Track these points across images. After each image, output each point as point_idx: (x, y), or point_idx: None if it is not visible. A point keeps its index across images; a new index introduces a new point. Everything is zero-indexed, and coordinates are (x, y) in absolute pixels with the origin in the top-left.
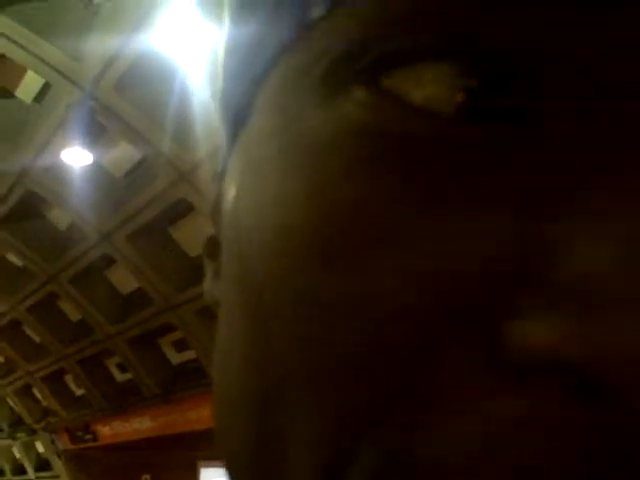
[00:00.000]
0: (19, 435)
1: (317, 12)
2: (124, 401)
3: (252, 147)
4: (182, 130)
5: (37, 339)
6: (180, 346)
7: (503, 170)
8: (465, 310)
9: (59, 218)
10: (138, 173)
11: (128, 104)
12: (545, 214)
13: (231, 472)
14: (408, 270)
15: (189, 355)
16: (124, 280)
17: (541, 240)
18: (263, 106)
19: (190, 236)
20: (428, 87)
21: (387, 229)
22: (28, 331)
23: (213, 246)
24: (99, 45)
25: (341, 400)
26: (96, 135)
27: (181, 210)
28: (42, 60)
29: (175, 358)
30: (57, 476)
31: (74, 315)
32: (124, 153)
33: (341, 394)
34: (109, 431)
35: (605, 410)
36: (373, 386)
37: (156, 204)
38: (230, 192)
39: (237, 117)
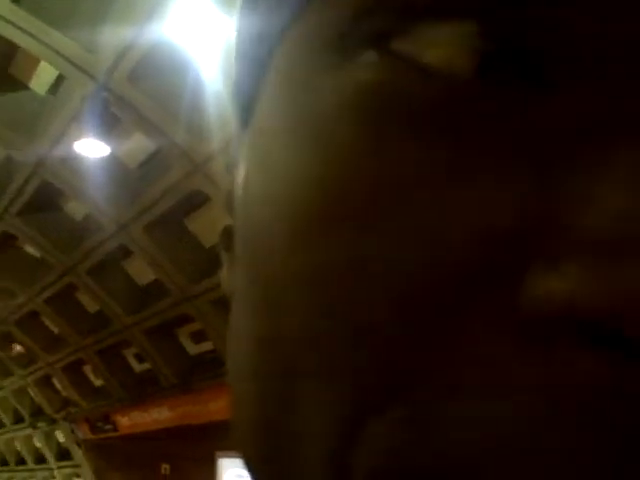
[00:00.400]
0: (40, 425)
1: None
2: (142, 391)
3: (261, 123)
4: (196, 121)
5: (56, 330)
6: (198, 337)
7: (522, 130)
8: (490, 267)
9: (75, 209)
10: (153, 164)
11: (142, 95)
12: (564, 169)
13: (246, 460)
14: (437, 229)
15: (207, 346)
16: (141, 271)
17: (561, 194)
18: (271, 81)
19: (205, 227)
20: (442, 48)
21: (414, 192)
22: (47, 322)
23: (228, 237)
24: (113, 36)
25: (355, 383)
26: (110, 126)
27: (196, 201)
28: (56, 52)
29: (193, 349)
30: (77, 465)
31: (92, 306)
32: (138, 144)
33: (355, 377)
34: (128, 421)
35: (629, 364)
36: (389, 364)
37: (171, 195)
38: (240, 174)
39: (247, 103)
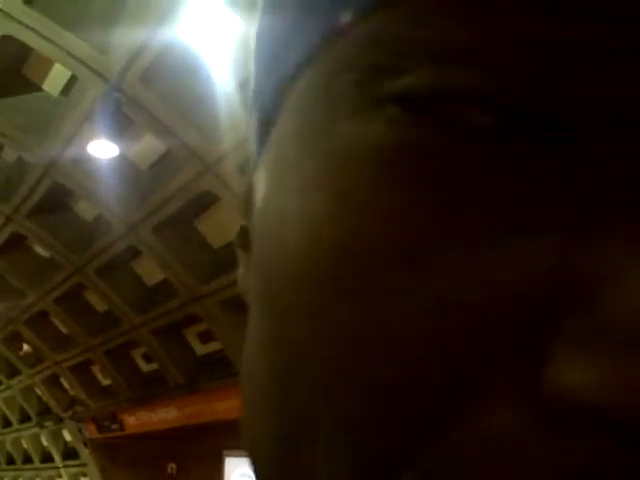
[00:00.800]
0: (47, 424)
1: (348, 16)
2: (150, 391)
3: (281, 150)
4: (208, 122)
5: (64, 330)
6: (205, 337)
7: (542, 193)
8: (500, 348)
9: (86, 210)
10: (163, 165)
11: (154, 96)
12: (589, 244)
13: (256, 467)
14: (441, 302)
15: (214, 346)
16: (150, 271)
17: (588, 269)
18: (292, 108)
19: (214, 228)
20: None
21: (418, 258)
22: (56, 322)
23: (245, 237)
24: (125, 37)
25: (370, 442)
26: (122, 127)
27: (206, 202)
28: (69, 53)
29: (200, 349)
30: (84, 464)
31: (100, 306)
32: (150, 145)
33: (370, 436)
34: (135, 421)
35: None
36: (403, 428)
37: (181, 196)
38: (260, 191)
39: (267, 115)
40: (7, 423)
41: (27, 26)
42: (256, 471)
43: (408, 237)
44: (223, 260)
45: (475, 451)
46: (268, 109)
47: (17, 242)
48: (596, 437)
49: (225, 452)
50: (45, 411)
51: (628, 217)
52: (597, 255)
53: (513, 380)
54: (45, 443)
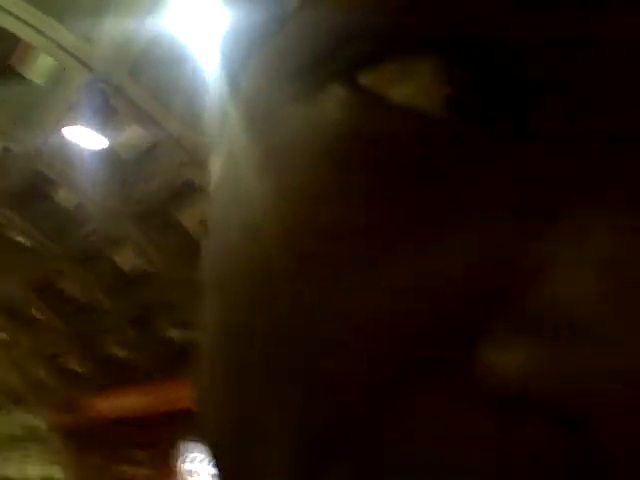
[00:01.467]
0: (17, 409)
1: (294, 2)
2: (124, 377)
3: (231, 138)
4: (192, 112)
5: (40, 316)
6: (181, 325)
7: (488, 182)
8: (439, 334)
9: (67, 199)
10: (148, 155)
11: (140, 87)
12: (528, 233)
13: (214, 454)
14: (384, 293)
15: (190, 334)
16: (127, 260)
17: (522, 261)
18: (242, 96)
19: (196, 218)
20: (409, 83)
21: (365, 249)
22: (31, 308)
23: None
24: (112, 28)
25: (312, 426)
26: (107, 117)
27: (188, 192)
28: (55, 43)
29: (177, 336)
30: (54, 451)
31: (77, 293)
32: (134, 135)
33: (313, 419)
34: (104, 407)
35: (574, 443)
36: (344, 413)
37: (163, 187)
38: (213, 178)
39: (222, 102)
40: None
41: (15, 16)
42: (212, 456)
43: (357, 229)
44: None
45: (410, 435)
46: (224, 96)
47: None
48: (530, 422)
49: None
50: (16, 398)
51: (576, 201)
52: (536, 246)
53: (450, 367)
54: (15, 429)
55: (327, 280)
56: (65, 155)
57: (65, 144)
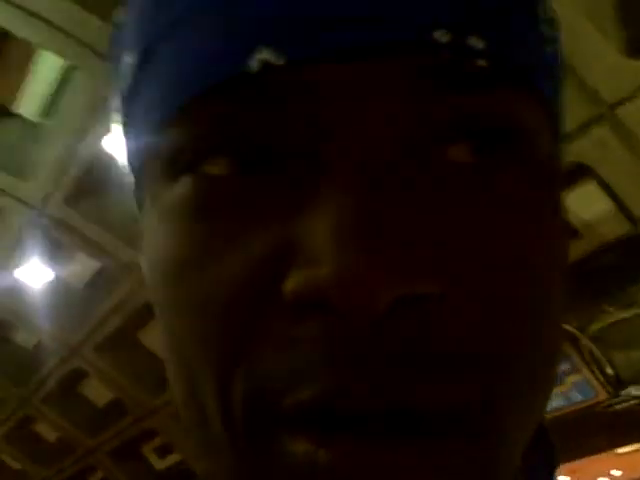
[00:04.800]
0: None
1: (165, 120)
2: None
3: (143, 215)
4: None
5: (16, 466)
6: (163, 451)
7: (253, 215)
8: (258, 285)
9: (25, 338)
10: (99, 282)
11: (80, 216)
12: (292, 216)
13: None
14: (216, 280)
15: (173, 459)
16: (98, 392)
17: (292, 237)
18: (144, 194)
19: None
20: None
21: (197, 261)
22: (7, 460)
23: None
24: (44, 163)
25: (214, 354)
26: (53, 250)
27: (148, 313)
28: None
29: (159, 464)
30: None
31: (51, 435)
32: (82, 264)
33: (213, 351)
34: None
35: (330, 321)
36: (226, 344)
37: (121, 310)
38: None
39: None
40: None
41: None
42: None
43: (189, 252)
44: None
45: (269, 341)
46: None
47: None
48: (316, 319)
49: None
50: None
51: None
52: (302, 225)
53: (272, 302)
54: None
55: (189, 280)
56: (16, 295)
57: (15, 284)
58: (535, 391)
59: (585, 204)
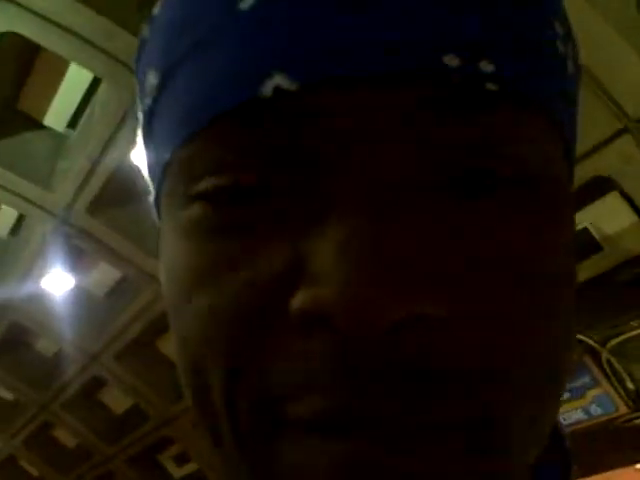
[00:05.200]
0: None
1: (173, 149)
2: None
3: (161, 230)
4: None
5: (34, 472)
6: (180, 460)
7: (253, 234)
8: (267, 299)
9: (46, 346)
10: (120, 290)
11: (102, 225)
12: (299, 238)
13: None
14: (227, 293)
15: (191, 467)
16: (117, 399)
17: (299, 258)
18: (162, 208)
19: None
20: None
21: (210, 277)
22: (25, 465)
23: None
24: (68, 173)
25: (222, 363)
26: (75, 259)
27: (167, 322)
28: (15, 193)
29: (177, 472)
30: None
31: (70, 441)
32: (104, 272)
33: (221, 360)
34: None
35: (335, 338)
36: (234, 353)
37: (141, 319)
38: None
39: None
40: None
41: None
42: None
43: (203, 268)
44: None
45: (276, 353)
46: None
47: None
48: (322, 335)
49: None
50: None
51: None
52: (303, 246)
53: (280, 319)
54: None
55: (201, 289)
56: (38, 303)
57: (37, 291)
58: (540, 406)
59: (608, 218)
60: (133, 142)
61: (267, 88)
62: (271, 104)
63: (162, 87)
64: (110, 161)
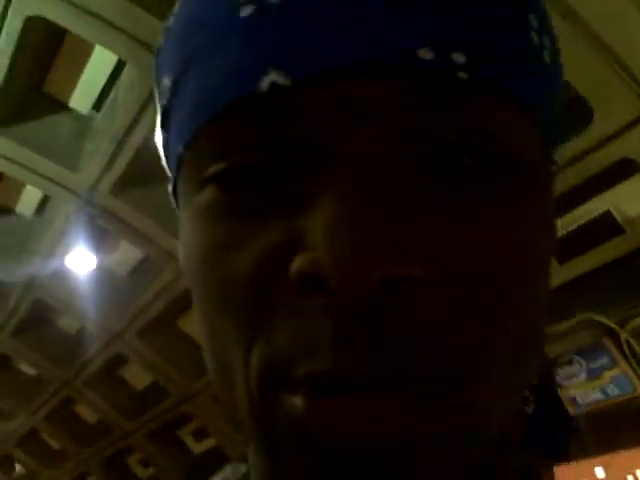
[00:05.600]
0: None
1: (190, 137)
2: None
3: (180, 216)
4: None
5: (56, 445)
6: (200, 435)
7: (261, 208)
8: (270, 267)
9: (69, 323)
10: (143, 270)
11: (125, 205)
12: (296, 216)
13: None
14: (237, 265)
15: (210, 443)
16: (138, 376)
17: (297, 232)
18: (179, 198)
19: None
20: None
21: (222, 252)
22: (47, 438)
23: None
24: (93, 154)
25: (236, 325)
26: (98, 239)
27: (188, 300)
28: (40, 174)
29: (196, 447)
30: None
31: (91, 417)
32: (127, 252)
33: (235, 322)
34: None
35: (330, 301)
36: (246, 315)
37: (163, 297)
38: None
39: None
40: None
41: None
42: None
43: (215, 248)
44: None
45: (280, 320)
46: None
47: (3, 363)
48: (319, 298)
49: None
50: None
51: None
52: (303, 221)
53: (282, 285)
54: None
55: (223, 261)
56: (62, 281)
57: (60, 270)
58: (517, 366)
59: (631, 200)
60: (156, 124)
61: (264, 84)
62: (268, 98)
63: (174, 89)
64: (134, 143)
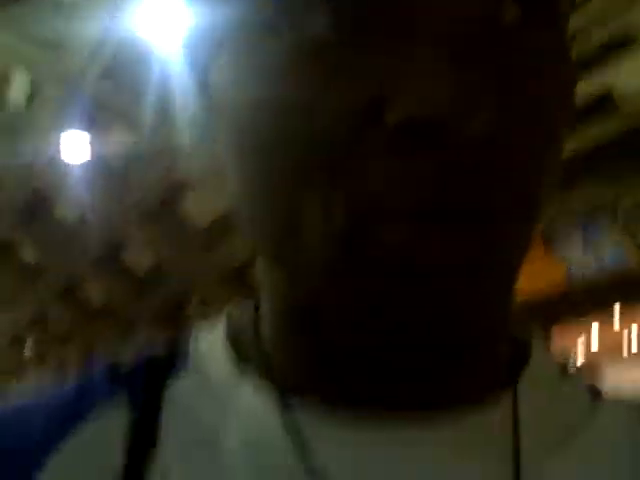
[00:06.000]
0: None
1: None
2: None
3: (233, 58)
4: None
5: (64, 326)
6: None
7: (358, 58)
8: (368, 111)
9: (68, 213)
10: (137, 157)
11: (117, 92)
12: (393, 74)
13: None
14: (332, 97)
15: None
16: (139, 261)
17: (401, 72)
18: (228, 50)
19: (200, 207)
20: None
21: (305, 95)
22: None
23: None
24: (81, 39)
25: (318, 165)
26: (90, 126)
27: (185, 185)
28: (28, 60)
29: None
30: None
31: (98, 301)
32: (122, 140)
33: (317, 163)
34: None
35: (445, 149)
36: (331, 159)
37: (159, 183)
38: (220, 84)
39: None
40: None
41: None
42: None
43: (303, 89)
44: (213, 238)
45: (363, 171)
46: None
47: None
48: (418, 142)
49: None
50: None
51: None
52: (399, 76)
53: (375, 129)
54: None
55: (309, 94)
56: (57, 169)
57: (55, 158)
58: (527, 206)
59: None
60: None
61: None
62: None
63: None
64: (120, 30)
